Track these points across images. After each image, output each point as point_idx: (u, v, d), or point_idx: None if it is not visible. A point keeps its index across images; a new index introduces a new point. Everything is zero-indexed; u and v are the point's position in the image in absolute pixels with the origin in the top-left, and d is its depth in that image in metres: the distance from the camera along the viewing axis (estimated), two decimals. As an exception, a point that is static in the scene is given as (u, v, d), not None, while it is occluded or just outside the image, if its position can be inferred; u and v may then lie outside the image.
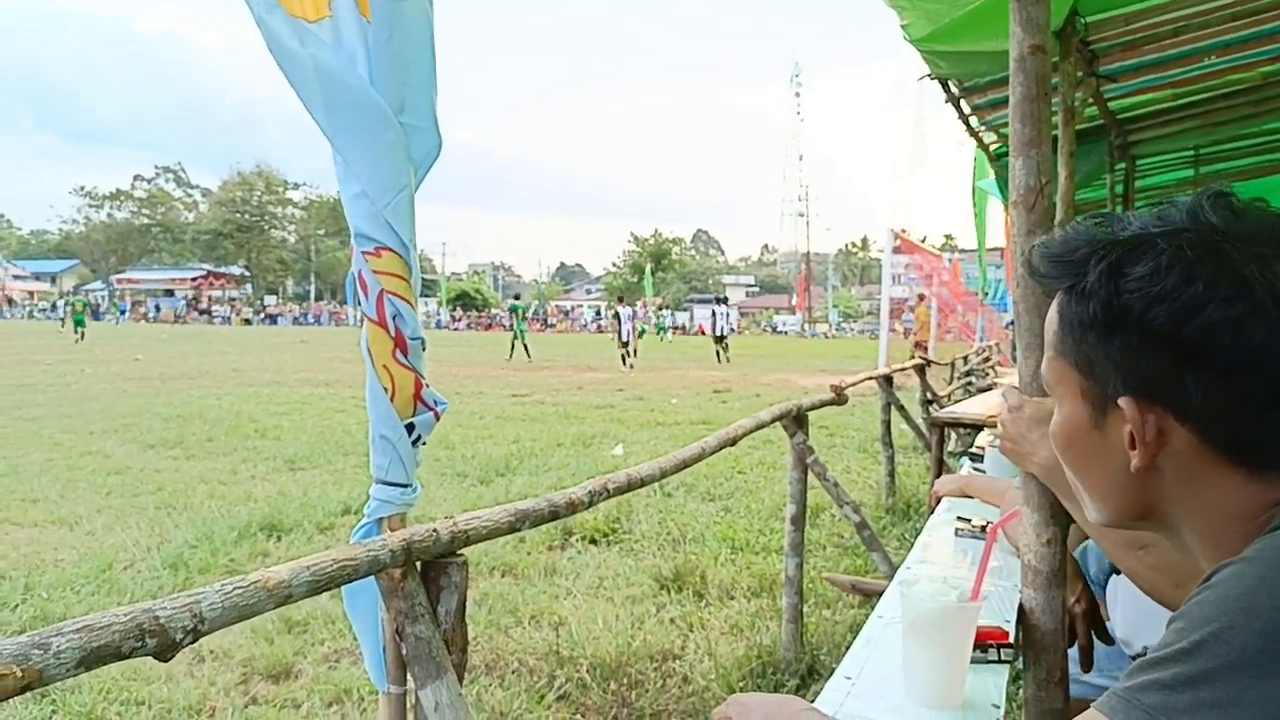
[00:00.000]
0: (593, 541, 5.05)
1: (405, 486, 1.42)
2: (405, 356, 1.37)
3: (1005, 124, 4.80)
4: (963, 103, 4.42)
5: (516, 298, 26.93)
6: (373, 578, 1.34)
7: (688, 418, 10.85)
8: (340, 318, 63.75)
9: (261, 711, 3.01)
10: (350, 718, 2.95)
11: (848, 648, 3.55)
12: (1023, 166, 1.43)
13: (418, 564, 1.38)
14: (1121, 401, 0.77)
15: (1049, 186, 1.47)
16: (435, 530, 1.36)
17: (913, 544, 4.80)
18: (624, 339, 21.30)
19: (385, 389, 1.37)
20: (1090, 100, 4.18)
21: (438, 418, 1.44)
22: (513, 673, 3.29)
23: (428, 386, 1.41)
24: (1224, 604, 0.65)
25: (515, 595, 4.10)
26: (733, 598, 4.10)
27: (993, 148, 5.44)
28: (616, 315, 22.49)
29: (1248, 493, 0.75)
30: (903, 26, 3.29)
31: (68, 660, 0.82)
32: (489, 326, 59.70)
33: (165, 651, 0.92)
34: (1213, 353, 0.71)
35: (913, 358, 13.97)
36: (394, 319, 1.36)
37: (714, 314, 25.03)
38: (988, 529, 2.10)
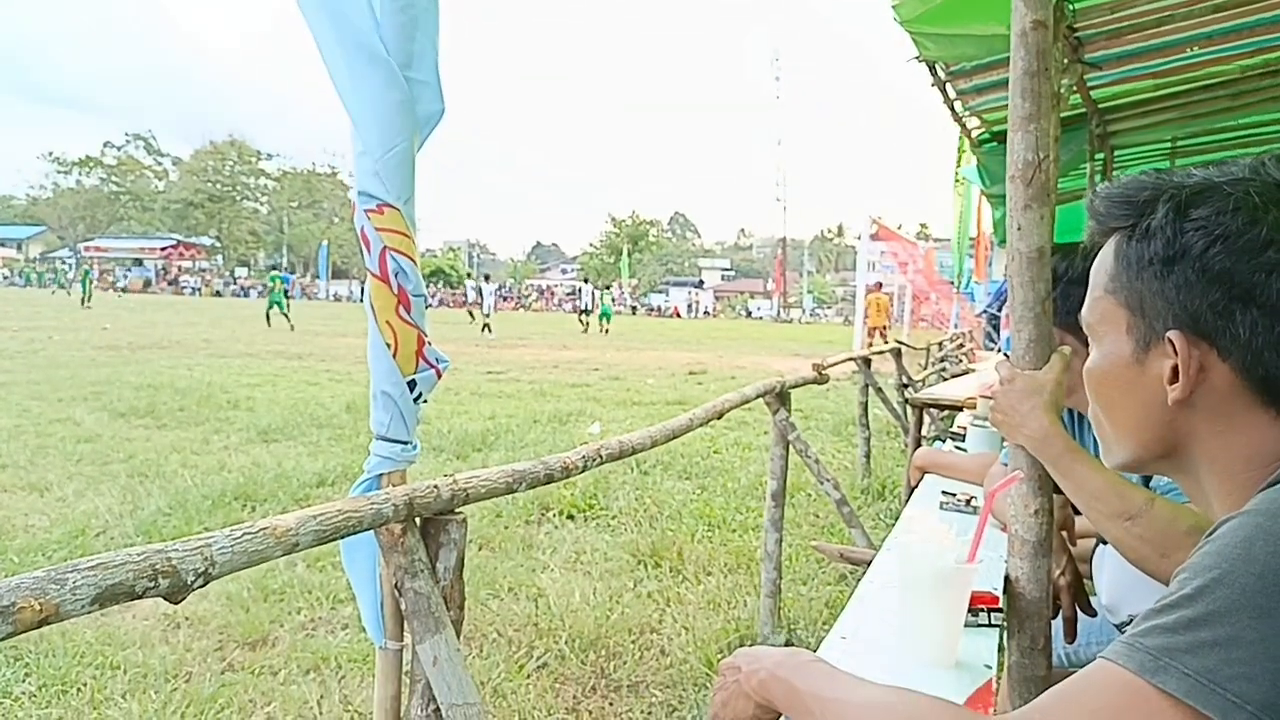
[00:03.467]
0: (570, 517, 5.06)
1: (405, 444, 1.42)
2: (408, 313, 1.37)
3: (989, 109, 4.84)
4: (948, 87, 4.45)
5: (274, 268, 27.93)
6: (371, 534, 1.34)
7: (663, 398, 10.87)
8: (313, 291, 63.18)
9: (238, 678, 2.99)
10: (329, 685, 2.94)
11: (824, 622, 3.59)
12: (1021, 141, 1.44)
13: (418, 520, 1.38)
14: (1171, 334, 0.81)
15: (1047, 162, 1.48)
16: (436, 487, 1.37)
17: (888, 523, 4.86)
18: (485, 310, 25.46)
19: (388, 345, 1.36)
20: (1074, 88, 4.22)
21: (439, 375, 1.44)
22: (491, 643, 3.31)
23: (430, 344, 1.41)
24: (1223, 552, 0.68)
25: (493, 567, 4.11)
26: (710, 574, 4.13)
27: (975, 133, 5.48)
28: (479, 289, 27.11)
29: (1272, 435, 0.79)
30: (894, 7, 3.29)
31: (83, 596, 0.81)
32: (463, 304, 59.40)
33: (176, 593, 0.92)
34: (1266, 293, 0.76)
35: (870, 345, 14.09)
36: (396, 275, 1.36)
37: (480, 290, 27.40)
38: (973, 501, 2.14)
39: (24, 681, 2.88)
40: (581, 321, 29.60)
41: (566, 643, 3.29)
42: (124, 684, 2.89)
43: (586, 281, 33.07)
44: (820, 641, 1.29)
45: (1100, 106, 4.86)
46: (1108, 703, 0.67)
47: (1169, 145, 5.82)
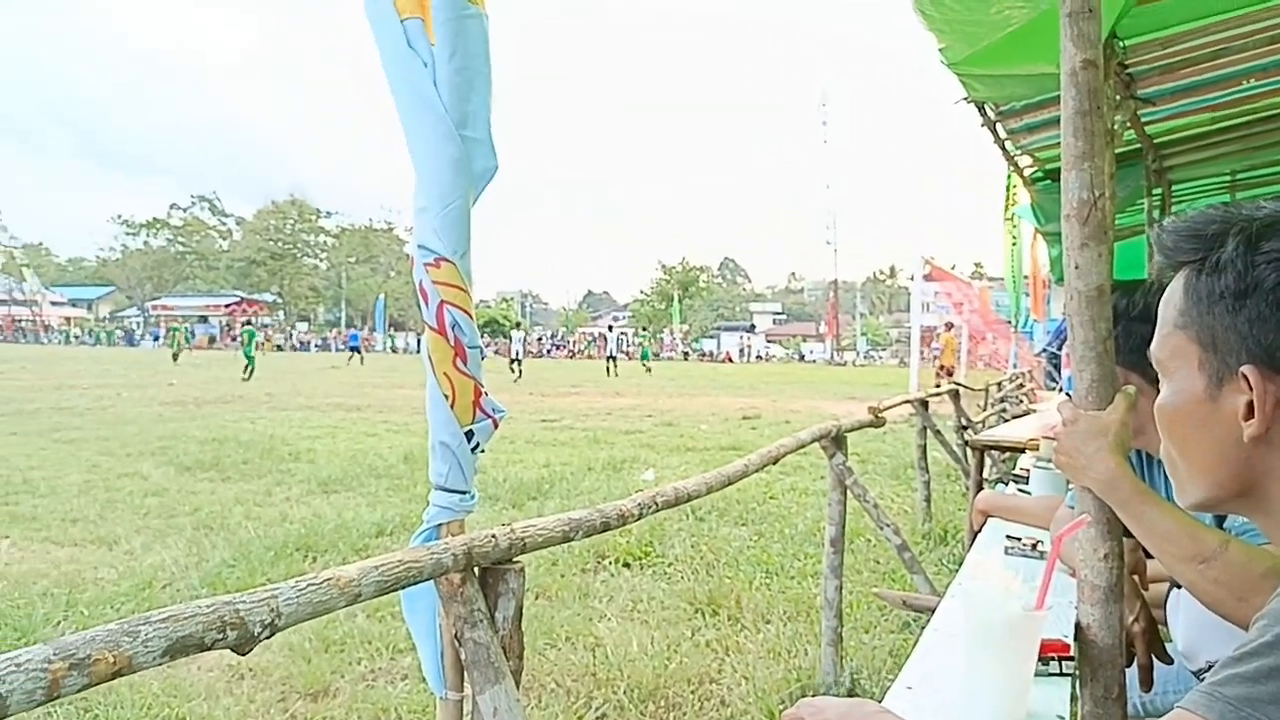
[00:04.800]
0: (626, 565, 5.04)
1: (464, 493, 1.44)
2: (465, 365, 1.40)
3: (1042, 147, 4.81)
4: (999, 127, 4.43)
5: (248, 322, 29.87)
6: (432, 584, 1.35)
7: (717, 443, 10.82)
8: (370, 344, 64.39)
9: (301, 729, 3.02)
10: (389, 736, 2.95)
11: (888, 671, 3.51)
12: (1076, 180, 1.42)
13: (476, 570, 1.39)
14: (1245, 370, 0.79)
15: (1102, 200, 1.47)
16: (494, 536, 1.38)
17: (951, 569, 4.75)
18: (513, 356, 28.67)
19: (445, 396, 1.39)
20: (1128, 124, 4.17)
21: (496, 425, 1.46)
22: (550, 693, 3.29)
23: (486, 394, 1.44)
24: None
25: (550, 616, 4.10)
26: (769, 622, 4.07)
27: (1028, 172, 5.44)
28: (509, 337, 31.74)
29: None
30: (940, 50, 3.30)
31: (155, 648, 0.83)
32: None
33: (244, 644, 0.94)
34: None
35: (937, 385, 13.90)
36: (453, 328, 1.39)
37: (510, 338, 32.72)
38: (1039, 546, 2.09)
39: (93, 734, 2.93)
40: (608, 366, 31.89)
41: (625, 693, 3.26)
42: (190, 736, 2.93)
43: (610, 329, 36.41)
44: (885, 691, 1.27)
45: (1156, 142, 4.80)
46: None
47: (1228, 178, 5.71)
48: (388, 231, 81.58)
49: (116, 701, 3.10)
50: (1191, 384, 0.86)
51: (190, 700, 3.19)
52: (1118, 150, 4.15)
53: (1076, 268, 1.36)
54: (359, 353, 38.59)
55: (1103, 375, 1.26)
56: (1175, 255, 0.88)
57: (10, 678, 0.72)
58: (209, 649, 0.90)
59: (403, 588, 1.22)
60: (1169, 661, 1.51)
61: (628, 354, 41.82)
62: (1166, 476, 1.60)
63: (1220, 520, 1.33)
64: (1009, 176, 11.00)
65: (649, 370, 32.81)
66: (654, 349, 59.15)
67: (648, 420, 13.92)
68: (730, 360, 59.71)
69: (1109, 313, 1.29)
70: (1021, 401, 11.06)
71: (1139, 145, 4.69)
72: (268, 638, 0.97)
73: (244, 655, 0.95)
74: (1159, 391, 0.93)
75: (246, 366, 23.86)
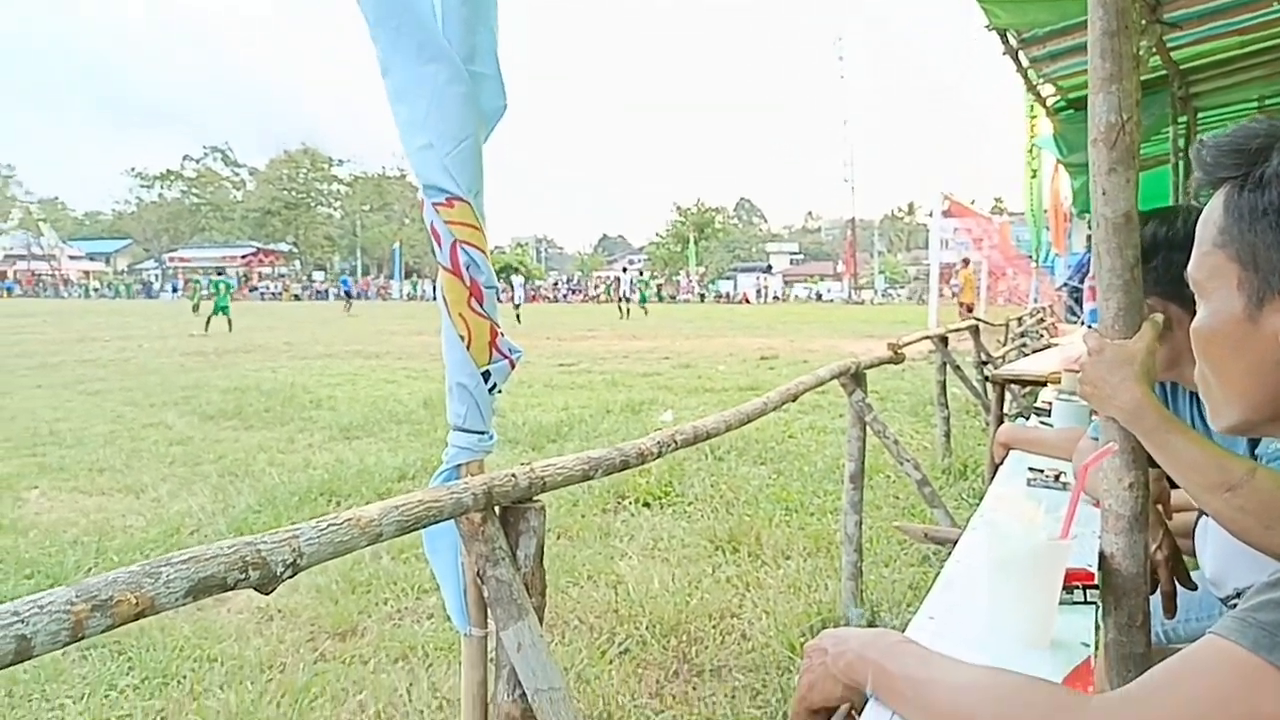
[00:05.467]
0: (646, 505, 5.07)
1: (482, 434, 1.43)
2: (481, 305, 1.38)
3: (1065, 75, 4.69)
4: (1021, 55, 4.32)
5: (219, 272, 28.14)
6: (453, 522, 1.36)
7: (735, 384, 10.81)
8: (387, 292, 64.59)
9: (330, 667, 3.07)
10: (417, 673, 3.00)
11: (908, 604, 3.53)
12: (1104, 102, 1.38)
13: (497, 509, 1.40)
14: None
15: (1130, 123, 1.42)
16: (514, 475, 1.38)
17: (972, 504, 4.75)
18: (516, 301, 31.14)
19: (461, 337, 1.38)
20: (1154, 49, 4.06)
21: (513, 366, 1.45)
22: (573, 629, 3.34)
23: (503, 335, 1.42)
24: None
25: (572, 555, 4.14)
26: (789, 558, 4.10)
27: (1050, 101, 5.32)
28: (509, 282, 34.64)
29: None
30: (961, -26, 3.21)
31: (177, 589, 0.84)
32: (533, 298, 60.08)
33: (266, 584, 0.94)
34: None
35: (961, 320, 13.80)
36: (468, 268, 1.37)
37: (511, 283, 35.48)
38: (1062, 477, 2.08)
39: (128, 675, 3.00)
40: (620, 309, 33.45)
41: (647, 628, 3.30)
42: (221, 676, 2.99)
43: (625, 272, 38.30)
44: (905, 623, 1.27)
45: (1181, 68, 4.68)
46: (1221, 680, 0.64)
47: (1255, 104, 5.58)
48: (400, 179, 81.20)
49: (149, 644, 3.17)
50: (1230, 304, 0.83)
51: (221, 641, 3.25)
52: (1143, 77, 4.04)
53: (1104, 193, 1.32)
54: (350, 299, 40.68)
55: (1129, 304, 1.24)
56: (1215, 171, 0.84)
57: (34, 619, 0.72)
58: (231, 589, 0.91)
59: (423, 527, 1.23)
60: (1192, 587, 1.51)
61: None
62: (1194, 406, 1.57)
63: (1253, 445, 1.32)
64: (1030, 107, 10.78)
65: (646, 312, 34.30)
66: (670, 291, 59.26)
67: (665, 362, 13.93)
68: (747, 301, 59.48)
69: (1136, 239, 1.26)
70: (1042, 336, 10.98)
71: (1164, 72, 4.57)
72: (290, 577, 0.97)
73: (267, 595, 0.96)
74: None
75: (208, 320, 21.44)
